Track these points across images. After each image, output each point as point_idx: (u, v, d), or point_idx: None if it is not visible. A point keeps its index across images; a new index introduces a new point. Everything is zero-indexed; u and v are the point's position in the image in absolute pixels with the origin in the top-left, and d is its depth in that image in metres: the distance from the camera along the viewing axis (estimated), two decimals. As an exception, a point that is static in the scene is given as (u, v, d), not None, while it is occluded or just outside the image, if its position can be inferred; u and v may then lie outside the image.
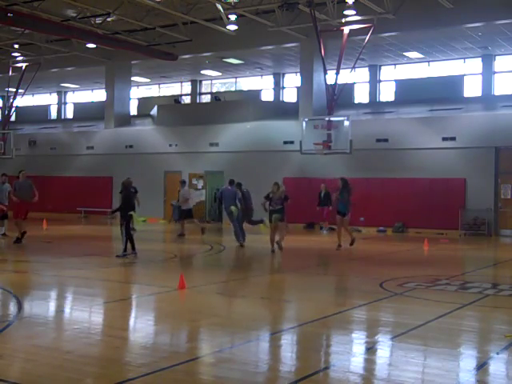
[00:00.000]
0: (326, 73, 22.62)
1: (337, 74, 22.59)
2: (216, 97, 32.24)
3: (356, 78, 30.58)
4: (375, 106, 28.89)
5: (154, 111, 31.83)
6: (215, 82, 36.27)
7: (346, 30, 22.20)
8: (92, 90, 39.19)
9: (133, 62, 31.14)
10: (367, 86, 30.92)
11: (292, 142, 25.30)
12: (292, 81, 33.00)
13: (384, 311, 9.02)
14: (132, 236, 14.63)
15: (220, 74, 33.91)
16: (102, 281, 11.65)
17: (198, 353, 6.65)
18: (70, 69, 32.57)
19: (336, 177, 25.00)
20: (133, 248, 14.57)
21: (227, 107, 29.22)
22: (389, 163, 24.44)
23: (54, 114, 41.16)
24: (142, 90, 38.29)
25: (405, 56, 28.37)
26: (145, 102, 37.07)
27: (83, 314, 8.59)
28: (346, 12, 21.75)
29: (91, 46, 28.00)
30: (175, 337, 7.47)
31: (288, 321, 8.40)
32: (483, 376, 5.92)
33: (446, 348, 6.75)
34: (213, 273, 13.01)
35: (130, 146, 30.75)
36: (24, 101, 37.45)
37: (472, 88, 28.23)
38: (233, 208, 17.12)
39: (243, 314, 8.65)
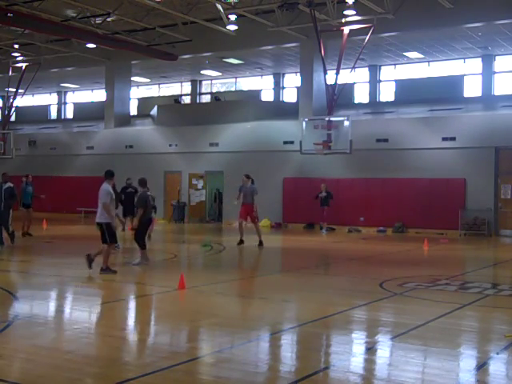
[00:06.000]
0: (325, 73, 22.62)
1: (337, 74, 22.58)
2: (216, 97, 32.23)
3: (356, 78, 30.57)
4: (375, 105, 28.88)
5: (154, 111, 31.83)
6: (215, 82, 36.27)
7: (346, 30, 22.19)
8: (92, 90, 39.18)
9: (133, 62, 31.13)
10: (367, 85, 30.92)
11: (292, 142, 25.30)
12: (292, 81, 32.99)
13: (384, 311, 9.02)
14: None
15: (220, 74, 33.91)
16: (102, 281, 11.64)
17: (198, 353, 6.65)
18: (70, 69, 32.57)
19: (335, 177, 25.13)
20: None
21: (227, 107, 29.21)
22: (389, 163, 24.44)
23: (54, 114, 41.16)
24: (142, 90, 38.29)
25: (405, 56, 28.36)
26: (145, 102, 37.08)
27: (83, 314, 8.59)
28: (346, 12, 21.73)
29: (91, 45, 27.99)
30: (175, 337, 7.47)
31: (288, 321, 8.40)
32: (483, 376, 5.92)
33: (446, 348, 6.75)
34: (213, 273, 13.01)
35: (130, 146, 30.75)
36: (24, 101, 37.46)
37: (472, 88, 28.22)
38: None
39: (243, 314, 8.65)
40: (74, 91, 40.41)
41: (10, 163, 33.28)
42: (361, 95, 31.18)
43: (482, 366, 6.23)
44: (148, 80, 36.20)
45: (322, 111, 24.23)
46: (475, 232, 22.89)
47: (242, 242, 17.65)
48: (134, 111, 35.86)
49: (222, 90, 36.06)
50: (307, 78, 26.34)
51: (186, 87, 36.83)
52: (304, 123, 22.61)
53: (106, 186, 12.01)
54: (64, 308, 9.39)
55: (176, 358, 6.28)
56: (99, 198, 11.89)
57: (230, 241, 18.87)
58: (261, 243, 17.60)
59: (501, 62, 27.68)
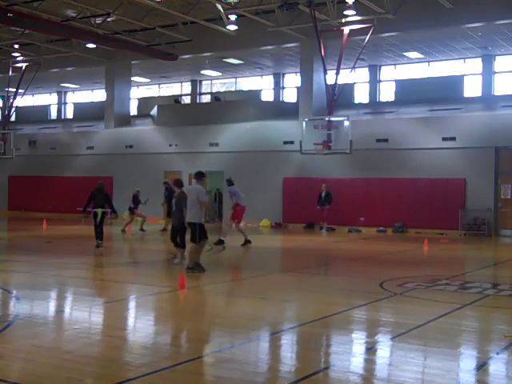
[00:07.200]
0: (325, 73, 22.62)
1: (337, 74, 22.59)
2: (216, 97, 32.24)
3: (356, 78, 30.57)
4: (375, 106, 28.88)
5: (154, 111, 31.83)
6: (215, 82, 36.27)
7: (346, 30, 22.19)
8: (92, 90, 39.18)
9: (133, 62, 31.14)
10: (367, 86, 30.92)
11: (292, 142, 25.30)
12: (292, 81, 32.99)
13: (384, 311, 9.02)
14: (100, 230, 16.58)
15: (220, 74, 33.92)
16: (102, 281, 11.65)
17: (198, 353, 6.64)
18: (70, 69, 32.57)
19: (335, 177, 25.12)
20: (100, 239, 16.49)
21: (227, 107, 29.21)
22: (389, 163, 24.44)
23: (54, 114, 41.16)
24: (142, 90, 38.29)
25: (405, 56, 28.36)
26: (145, 102, 37.06)
27: (83, 314, 8.59)
28: (346, 12, 21.74)
29: (91, 45, 27.99)
30: (175, 337, 7.47)
31: (288, 321, 8.40)
32: (483, 376, 5.92)
33: (446, 348, 6.75)
34: (213, 273, 13.00)
35: (130, 146, 30.75)
36: (24, 101, 37.45)
37: (472, 88, 28.22)
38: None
39: (243, 314, 8.65)
40: (74, 91, 40.41)
41: (10, 163, 33.32)
42: (361, 95, 31.18)
43: (482, 366, 6.23)
44: (148, 80, 36.20)
45: (322, 111, 24.23)
46: (475, 232, 22.89)
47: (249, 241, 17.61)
48: (134, 111, 35.86)
49: (222, 90, 36.06)
50: (307, 78, 26.34)
51: (186, 87, 36.83)
52: (304, 123, 22.61)
53: (198, 186, 12.36)
54: (64, 308, 9.38)
55: (176, 357, 6.28)
56: (192, 200, 12.17)
57: (229, 241, 18.84)
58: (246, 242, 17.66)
59: (501, 62, 27.68)
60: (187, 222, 12.36)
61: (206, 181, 12.80)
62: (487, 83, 27.51)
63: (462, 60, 28.49)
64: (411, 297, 9.90)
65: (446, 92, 27.64)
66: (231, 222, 17.97)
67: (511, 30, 23.69)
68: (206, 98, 35.81)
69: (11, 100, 32.29)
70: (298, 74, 28.61)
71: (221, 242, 17.28)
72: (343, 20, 22.35)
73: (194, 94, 36.06)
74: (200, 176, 12.53)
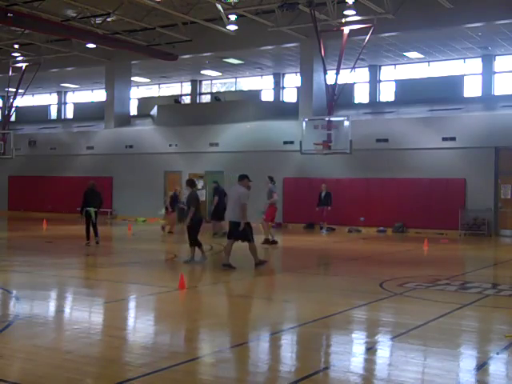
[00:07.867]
0: (325, 73, 22.63)
1: (337, 74, 22.60)
2: (216, 97, 32.25)
3: (356, 78, 30.57)
4: (375, 106, 28.88)
5: (154, 111, 31.83)
6: (215, 82, 36.28)
7: (346, 30, 22.20)
8: (92, 90, 39.19)
9: (133, 62, 31.15)
10: (367, 86, 30.92)
11: (292, 142, 25.31)
12: (292, 81, 33.00)
13: (384, 311, 9.02)
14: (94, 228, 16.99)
15: (220, 74, 33.92)
16: (102, 281, 11.65)
17: (198, 353, 6.65)
18: (70, 69, 32.58)
19: (335, 177, 25.11)
20: (95, 235, 16.97)
21: (227, 107, 29.22)
22: (389, 163, 24.44)
23: (54, 114, 41.16)
24: (142, 90, 38.29)
25: (405, 56, 28.37)
26: (145, 102, 37.07)
27: (83, 314, 8.59)
28: (346, 12, 21.75)
29: (91, 45, 28.00)
30: (175, 337, 7.46)
31: (288, 321, 8.40)
32: (483, 376, 5.92)
33: (446, 348, 6.75)
34: (213, 273, 13.00)
35: (130, 146, 30.75)
36: (24, 101, 37.45)
37: (472, 88, 28.23)
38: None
39: (243, 314, 8.65)
40: (74, 91, 40.42)
41: (10, 163, 33.32)
42: (361, 95, 31.19)
43: (482, 366, 6.23)
44: (148, 80, 36.20)
45: (322, 111, 24.23)
46: (475, 232, 22.89)
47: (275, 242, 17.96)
48: (134, 111, 35.86)
49: (222, 90, 36.06)
50: (307, 78, 26.34)
51: (186, 87, 36.83)
52: (304, 123, 22.62)
53: (242, 188, 12.76)
54: (64, 308, 9.38)
55: (176, 357, 6.27)
56: (234, 200, 12.64)
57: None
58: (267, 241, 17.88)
59: (501, 62, 27.69)
60: (230, 221, 12.75)
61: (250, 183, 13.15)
62: (487, 83, 27.51)
63: (462, 60, 28.49)
64: (411, 297, 9.90)
65: (446, 92, 27.65)
66: (265, 221, 18.20)
67: (511, 30, 23.69)
68: (206, 98, 35.81)
69: (11, 100, 32.30)
70: (298, 74, 28.62)
71: (274, 242, 17.86)
72: (343, 20, 22.35)
73: (194, 93, 36.06)
74: (242, 178, 12.85)
